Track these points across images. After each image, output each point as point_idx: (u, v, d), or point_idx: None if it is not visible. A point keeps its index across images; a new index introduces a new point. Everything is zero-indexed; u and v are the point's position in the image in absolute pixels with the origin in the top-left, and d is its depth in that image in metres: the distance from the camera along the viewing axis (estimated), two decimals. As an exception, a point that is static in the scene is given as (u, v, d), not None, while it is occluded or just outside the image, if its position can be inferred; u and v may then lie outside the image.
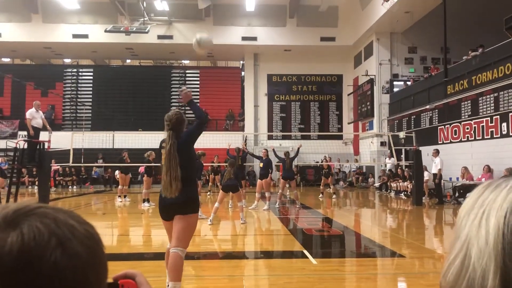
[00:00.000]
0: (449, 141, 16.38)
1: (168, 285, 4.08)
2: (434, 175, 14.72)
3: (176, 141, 4.25)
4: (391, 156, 19.91)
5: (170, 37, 25.07)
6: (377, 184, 21.56)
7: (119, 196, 15.20)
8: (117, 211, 13.14)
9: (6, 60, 30.86)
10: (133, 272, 0.78)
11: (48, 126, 13.56)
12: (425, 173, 15.52)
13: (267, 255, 7.02)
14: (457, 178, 15.06)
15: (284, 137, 26.61)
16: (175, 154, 4.17)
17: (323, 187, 17.58)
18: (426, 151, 16.31)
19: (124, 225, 10.43)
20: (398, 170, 18.65)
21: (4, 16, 24.73)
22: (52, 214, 0.60)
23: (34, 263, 0.55)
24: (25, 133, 15.08)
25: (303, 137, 25.96)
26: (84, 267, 0.59)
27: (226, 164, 11.16)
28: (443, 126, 16.95)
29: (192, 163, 4.42)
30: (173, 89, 29.49)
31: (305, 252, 6.61)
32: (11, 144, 21.88)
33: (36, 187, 19.46)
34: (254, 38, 25.21)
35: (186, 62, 31.40)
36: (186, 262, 6.41)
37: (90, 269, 0.60)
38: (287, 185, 13.81)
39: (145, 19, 23.23)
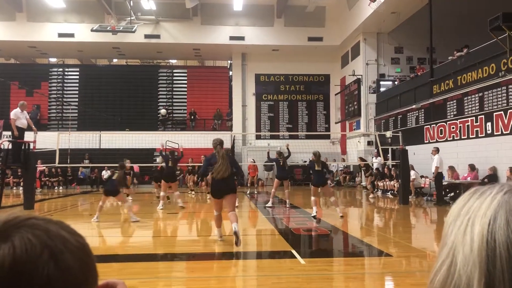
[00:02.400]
0: (435, 141, 16.55)
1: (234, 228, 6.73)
2: (438, 173, 14.14)
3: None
4: (377, 155, 20.04)
5: (157, 36, 24.94)
6: (364, 183, 21.69)
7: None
8: (105, 212, 13.02)
9: (-10, 59, 30.41)
10: (115, 281, 0.77)
11: (33, 126, 13.41)
12: (412, 172, 15.66)
13: (256, 255, 7.02)
14: (443, 177, 15.21)
15: (272, 137, 26.62)
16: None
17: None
18: (413, 150, 16.48)
19: (115, 227, 10.34)
20: (385, 169, 18.79)
21: (-13, 14, 24.37)
22: (43, 225, 0.59)
23: (26, 277, 0.54)
24: (9, 133, 14.86)
25: (291, 137, 26.01)
26: (76, 279, 0.58)
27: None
28: (429, 126, 17.13)
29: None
30: (160, 89, 29.34)
31: (294, 252, 6.63)
32: (-5, 144, 21.62)
33: (21, 188, 19.19)
34: (242, 38, 25.20)
35: (173, 61, 31.27)
36: (174, 263, 6.40)
37: (81, 281, 0.60)
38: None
39: (132, 18, 23.07)
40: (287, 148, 14.27)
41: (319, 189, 10.98)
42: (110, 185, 10.28)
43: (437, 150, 14.34)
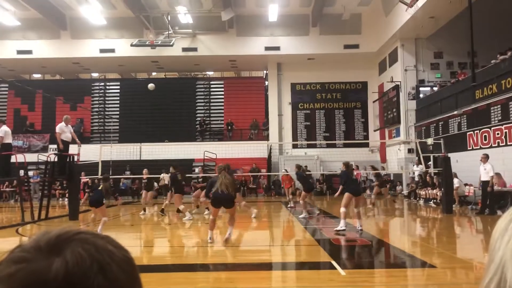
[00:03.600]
0: (478, 147, 15.98)
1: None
2: (484, 182, 13.51)
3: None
4: (419, 163, 19.54)
5: (195, 49, 25.41)
6: (405, 192, 21.18)
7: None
8: (142, 223, 13.28)
9: (37, 76, 31.89)
10: None
11: (77, 140, 13.87)
12: (455, 180, 15.17)
13: (295, 266, 6.96)
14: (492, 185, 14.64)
15: (309, 146, 26.49)
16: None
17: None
18: (456, 157, 15.97)
19: (152, 236, 10.53)
20: (427, 177, 18.29)
21: (35, 33, 25.59)
22: (92, 239, 0.62)
23: None
24: (55, 146, 15.46)
25: (328, 145, 25.79)
26: None
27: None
28: (472, 132, 16.57)
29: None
30: (197, 100, 29.80)
31: (333, 263, 6.52)
32: (42, 157, 22.54)
33: (66, 200, 19.88)
34: (277, 48, 25.31)
35: (210, 73, 31.73)
36: (212, 274, 6.44)
37: None
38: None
39: (169, 32, 23.65)
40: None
41: (353, 198, 10.09)
42: (95, 196, 9.92)
43: (487, 157, 13.44)
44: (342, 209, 9.86)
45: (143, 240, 10.08)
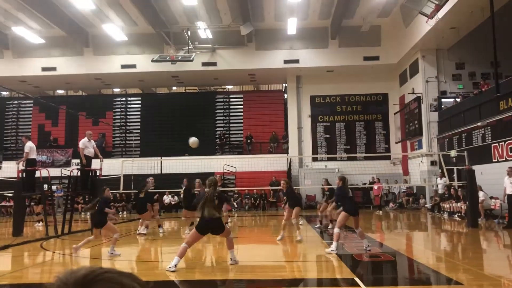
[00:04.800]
0: (504, 159, 15.63)
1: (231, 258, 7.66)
2: (510, 196, 13.27)
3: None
4: (442, 175, 19.20)
5: (214, 63, 25.67)
6: (428, 205, 20.81)
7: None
8: (168, 236, 13.33)
9: (61, 92, 32.62)
10: None
11: (99, 155, 14.08)
12: (480, 193, 14.85)
13: (317, 283, 6.88)
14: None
15: (329, 159, 26.32)
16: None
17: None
18: (480, 170, 15.64)
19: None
20: (451, 190, 17.94)
21: (58, 51, 26.25)
22: (118, 278, 0.64)
23: None
24: (78, 161, 15.71)
25: (349, 158, 25.58)
26: None
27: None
28: (497, 144, 16.23)
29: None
30: (217, 114, 29.99)
31: (356, 279, 6.42)
32: (65, 172, 22.93)
33: (88, 214, 20.12)
34: (296, 61, 25.37)
35: (229, 87, 31.95)
36: (234, 290, 6.39)
37: None
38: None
39: (189, 47, 23.96)
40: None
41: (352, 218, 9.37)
42: (96, 216, 9.38)
43: None
44: (336, 230, 9.14)
45: (162, 254, 10.11)
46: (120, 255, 9.09)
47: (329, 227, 13.55)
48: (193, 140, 12.02)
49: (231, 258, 7.73)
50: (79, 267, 0.66)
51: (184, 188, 13.86)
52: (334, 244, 8.98)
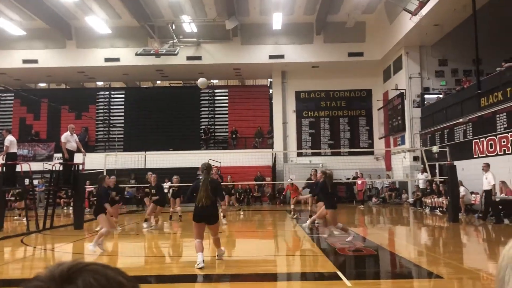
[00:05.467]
0: (484, 155, 15.90)
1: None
2: (486, 191, 13.82)
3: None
4: (423, 171, 19.47)
5: (199, 57, 25.52)
6: (411, 200, 21.08)
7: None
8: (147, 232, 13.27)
9: (43, 85, 32.08)
10: None
11: (82, 149, 13.91)
12: (461, 189, 15.09)
13: (300, 276, 6.92)
14: (495, 193, 14.55)
15: (313, 154, 26.45)
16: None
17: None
18: (461, 165, 15.88)
19: (158, 246, 10.50)
20: (433, 185, 18.19)
21: (40, 43, 25.79)
22: (103, 270, 0.66)
23: None
24: (60, 155, 15.50)
25: (333, 154, 25.74)
26: None
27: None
28: (478, 140, 16.50)
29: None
30: (202, 109, 29.86)
31: (339, 273, 6.48)
32: (47, 166, 22.60)
33: (71, 208, 19.91)
34: (282, 56, 25.37)
35: (214, 81, 31.80)
36: (216, 284, 6.42)
37: None
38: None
39: (174, 41, 23.76)
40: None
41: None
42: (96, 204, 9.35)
43: (488, 166, 13.83)
44: (339, 226, 9.64)
45: (147, 250, 10.06)
46: (103, 251, 8.70)
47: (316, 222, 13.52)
48: (201, 81, 11.36)
49: (217, 255, 7.68)
50: (65, 260, 0.68)
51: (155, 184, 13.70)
52: (350, 233, 9.77)
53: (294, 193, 16.81)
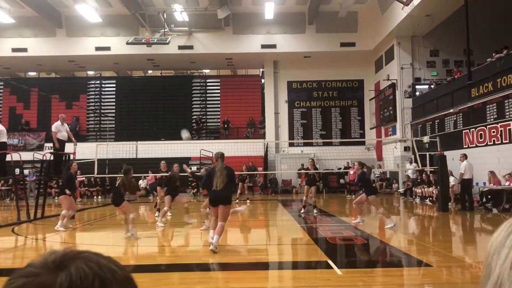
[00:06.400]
0: (474, 145, 16.04)
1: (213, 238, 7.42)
2: (464, 180, 14.23)
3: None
4: (412, 161, 19.60)
5: (191, 47, 25.35)
6: (401, 190, 21.24)
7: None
8: (140, 222, 13.25)
9: (32, 74, 31.71)
10: None
11: (73, 139, 13.81)
12: (451, 178, 15.22)
13: (292, 265, 6.97)
14: (484, 183, 14.73)
15: (305, 144, 26.51)
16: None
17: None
18: (451, 155, 16.01)
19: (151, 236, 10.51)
20: (423, 175, 18.34)
21: (30, 31, 25.44)
22: (95, 258, 0.67)
23: None
24: (51, 145, 15.38)
25: (325, 144, 25.83)
26: None
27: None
28: (468, 130, 16.62)
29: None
30: (194, 98, 29.75)
31: (330, 262, 6.53)
32: (38, 156, 22.45)
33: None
34: (274, 46, 25.27)
35: (206, 71, 31.68)
36: (207, 273, 6.44)
37: None
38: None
39: (165, 30, 23.55)
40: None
41: None
42: (114, 194, 9.76)
43: (464, 156, 14.27)
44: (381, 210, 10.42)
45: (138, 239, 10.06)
46: (135, 235, 9.17)
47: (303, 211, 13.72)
48: (185, 136, 11.84)
49: (212, 244, 7.38)
50: (58, 248, 0.70)
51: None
52: (390, 221, 10.40)
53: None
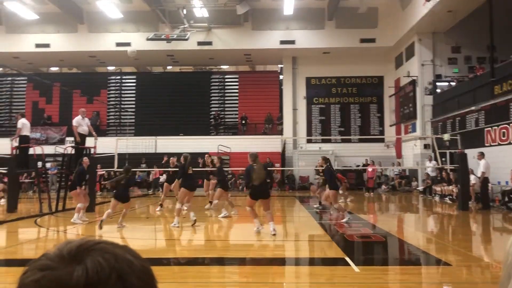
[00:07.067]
0: (497, 143, 15.72)
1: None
2: (484, 178, 14.02)
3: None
4: (431, 159, 19.33)
5: (210, 43, 25.42)
6: (420, 188, 21.00)
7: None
8: (158, 216, 13.40)
9: (55, 69, 32.26)
10: None
11: (93, 133, 14.02)
12: (472, 177, 14.99)
13: (309, 261, 6.97)
14: (506, 182, 14.45)
15: (323, 141, 26.38)
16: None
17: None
18: (472, 154, 15.74)
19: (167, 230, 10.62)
20: (443, 173, 18.09)
21: (52, 27, 25.85)
22: (111, 249, 0.66)
23: None
24: (72, 139, 15.64)
25: (343, 140, 25.67)
26: None
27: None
28: (490, 128, 16.31)
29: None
30: (212, 94, 29.84)
31: (347, 259, 6.51)
32: (59, 150, 22.85)
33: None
34: (293, 42, 25.17)
35: (225, 67, 31.73)
36: (226, 268, 6.49)
37: None
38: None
39: (185, 26, 23.67)
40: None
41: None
42: (121, 190, 10.01)
43: (482, 155, 14.06)
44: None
45: (158, 233, 10.17)
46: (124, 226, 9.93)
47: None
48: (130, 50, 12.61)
49: (273, 229, 8.64)
50: (73, 239, 0.68)
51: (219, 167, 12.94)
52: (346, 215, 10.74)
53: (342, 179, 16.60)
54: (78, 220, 10.83)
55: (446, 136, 17.61)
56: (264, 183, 8.96)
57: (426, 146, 21.77)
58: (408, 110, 23.35)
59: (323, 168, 11.43)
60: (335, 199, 11.02)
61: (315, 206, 14.36)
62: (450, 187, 17.02)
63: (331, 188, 10.94)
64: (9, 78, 30.41)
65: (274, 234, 8.54)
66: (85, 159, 12.23)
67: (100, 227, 9.43)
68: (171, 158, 14.84)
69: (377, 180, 23.55)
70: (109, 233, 9.26)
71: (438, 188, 18.15)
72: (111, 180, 11.03)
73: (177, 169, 13.40)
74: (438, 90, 21.77)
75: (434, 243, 8.42)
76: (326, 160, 11.44)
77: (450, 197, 16.83)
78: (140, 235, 9.33)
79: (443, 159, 17.38)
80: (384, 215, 13.52)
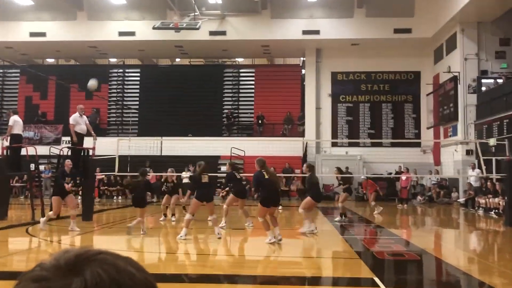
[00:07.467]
0: (551, 150, 15.46)
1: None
2: None
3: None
4: (475, 167, 19.09)
5: (223, 33, 25.53)
6: (462, 200, 20.76)
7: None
8: (161, 226, 13.48)
9: (50, 60, 32.78)
10: None
11: (92, 132, 14.14)
12: (521, 188, 14.73)
13: (332, 281, 6.94)
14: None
15: (350, 144, 26.25)
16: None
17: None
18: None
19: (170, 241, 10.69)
20: (488, 183, 17.85)
21: (48, 14, 26.26)
22: (112, 260, 0.66)
23: None
24: (68, 138, 15.84)
25: (374, 144, 25.51)
26: None
27: None
28: (543, 132, 16.04)
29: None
30: (225, 90, 29.96)
31: (376, 279, 6.47)
32: (54, 150, 23.18)
33: (79, 198, 20.37)
34: (317, 32, 25.15)
35: (240, 60, 31.84)
36: (239, 286, 6.50)
37: None
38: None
39: (196, 14, 23.80)
40: None
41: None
42: (138, 194, 10.74)
43: None
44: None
45: (167, 247, 10.25)
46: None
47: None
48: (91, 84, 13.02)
49: (279, 234, 9.45)
50: (73, 247, 0.68)
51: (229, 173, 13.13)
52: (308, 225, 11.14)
53: (372, 188, 17.22)
54: (76, 227, 11.09)
55: (492, 141, 17.38)
56: (277, 189, 9.89)
57: (468, 152, 21.51)
58: (448, 110, 23.13)
59: (307, 175, 11.96)
60: (309, 208, 11.51)
61: (335, 219, 14.34)
62: (496, 200, 16.79)
63: (309, 195, 11.49)
64: (0, 71, 31.00)
65: (279, 240, 9.33)
66: (67, 161, 12.15)
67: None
68: (168, 171, 14.48)
69: (412, 190, 23.35)
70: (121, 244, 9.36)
71: (482, 200, 17.93)
72: (128, 184, 11.68)
73: (173, 184, 13.63)
74: (484, 88, 21.55)
75: (477, 263, 8.32)
76: (310, 167, 12.04)
77: (496, 210, 16.61)
78: (145, 248, 9.41)
79: (487, 166, 17.12)
80: (419, 230, 13.39)
